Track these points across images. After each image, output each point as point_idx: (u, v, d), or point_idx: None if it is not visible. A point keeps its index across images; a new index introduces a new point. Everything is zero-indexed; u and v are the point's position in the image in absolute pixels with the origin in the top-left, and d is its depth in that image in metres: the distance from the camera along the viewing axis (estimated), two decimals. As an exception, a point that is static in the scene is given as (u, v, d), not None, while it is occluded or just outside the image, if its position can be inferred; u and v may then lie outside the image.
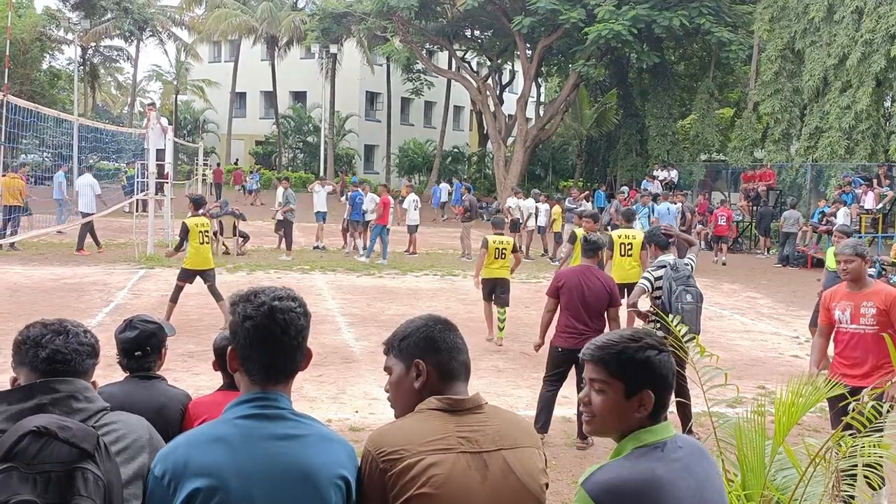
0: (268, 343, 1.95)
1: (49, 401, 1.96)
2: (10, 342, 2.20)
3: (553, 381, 6.63)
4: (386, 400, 2.15)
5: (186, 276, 10.39)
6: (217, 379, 3.43)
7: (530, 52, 34.50)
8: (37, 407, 1.94)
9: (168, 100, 56.50)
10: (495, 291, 10.64)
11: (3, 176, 16.45)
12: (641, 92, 35.36)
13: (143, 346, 3.26)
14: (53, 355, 2.06)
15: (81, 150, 29.30)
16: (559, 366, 6.59)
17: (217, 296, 10.39)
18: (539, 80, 40.03)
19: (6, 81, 9.16)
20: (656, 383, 1.95)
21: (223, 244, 18.32)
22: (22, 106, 9.43)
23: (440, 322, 2.17)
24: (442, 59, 46.19)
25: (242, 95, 53.34)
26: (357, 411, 7.36)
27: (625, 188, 27.66)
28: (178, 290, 10.34)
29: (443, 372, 2.11)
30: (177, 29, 50.47)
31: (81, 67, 44.28)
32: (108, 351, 8.08)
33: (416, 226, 20.01)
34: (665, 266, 6.73)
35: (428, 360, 2.10)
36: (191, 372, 8.17)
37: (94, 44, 48.53)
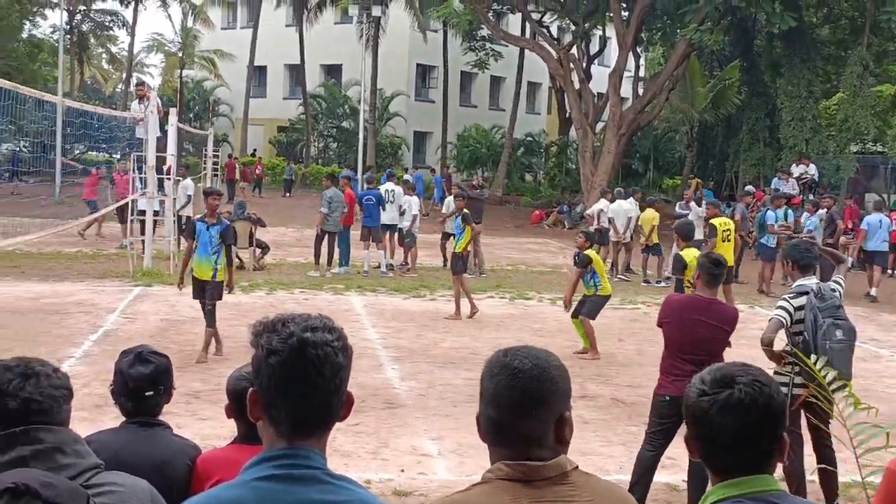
0: (297, 385, 1.97)
1: (31, 453, 2.01)
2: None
3: (657, 438, 6.56)
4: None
5: None
6: (230, 426, 3.48)
7: (627, 13, 34.27)
8: (16, 460, 1.99)
9: (171, 76, 57.90)
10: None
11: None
12: (772, 64, 34.79)
13: (157, 384, 3.35)
14: (27, 405, 2.11)
15: (66, 139, 30.23)
16: (664, 419, 6.51)
17: None
18: (638, 49, 39.73)
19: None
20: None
21: (237, 256, 18.61)
22: (-2, 85, 9.78)
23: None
24: (513, 23, 46.25)
25: (262, 70, 54.28)
26: (403, 470, 7.38)
27: (749, 187, 27.24)
28: None
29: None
30: (184, -12, 51.82)
31: (68, 37, 45.70)
32: (96, 388, 8.26)
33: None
34: (807, 293, 6.57)
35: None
36: (196, 416, 8.31)
37: (84, 7, 50.10)
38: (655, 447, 6.55)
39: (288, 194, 41.71)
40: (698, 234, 18.36)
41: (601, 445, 8.27)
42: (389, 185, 19.96)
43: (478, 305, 14.87)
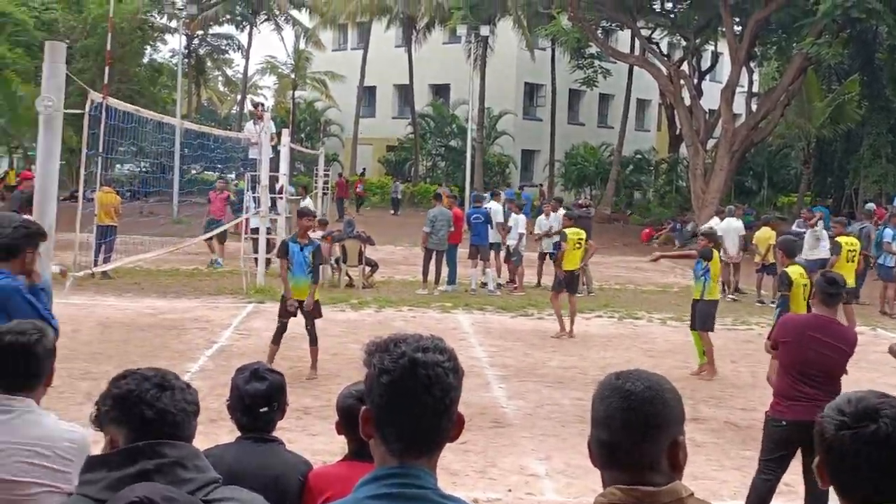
0: (407, 405, 1.99)
1: (154, 467, 2.08)
2: (100, 389, 2.33)
3: (772, 465, 6.34)
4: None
5: None
6: (340, 442, 3.53)
7: (740, 27, 33.61)
8: (140, 474, 2.07)
9: (284, 97, 59.35)
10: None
11: (98, 191, 17.70)
12: (894, 77, 33.65)
13: (272, 400, 3.45)
14: (162, 416, 2.19)
15: (184, 160, 31.28)
16: (780, 444, 6.29)
17: None
18: (751, 64, 38.95)
19: (105, 81, 9.90)
20: None
21: (346, 274, 18.91)
22: (122, 109, 10.19)
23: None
24: (622, 39, 45.88)
25: (372, 90, 55.15)
26: (510, 490, 7.34)
27: (870, 205, 26.32)
28: None
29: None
30: (296, 11, 53.10)
31: (186, 60, 47.37)
32: (210, 402, 8.50)
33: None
34: None
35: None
36: (306, 432, 8.45)
37: (202, 32, 51.88)
38: (771, 475, 6.34)
39: (395, 212, 42.23)
40: (824, 254, 17.85)
41: (714, 470, 8.07)
42: (493, 204, 20.00)
43: (585, 325, 14.76)
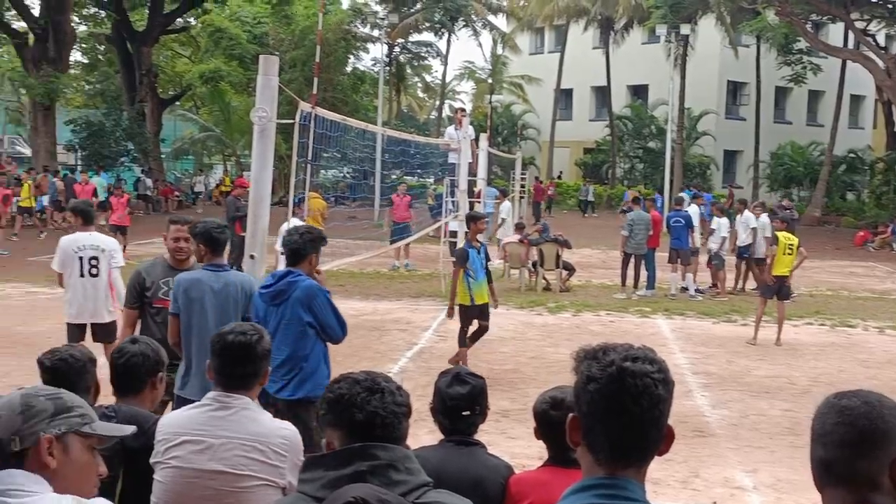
0: (614, 414, 1.96)
1: (367, 468, 2.16)
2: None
3: None
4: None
5: None
6: (538, 446, 3.52)
7: (967, 15, 31.36)
8: (355, 475, 2.15)
9: (481, 101, 60.12)
10: None
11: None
12: None
13: (475, 404, 3.50)
14: (371, 418, 2.27)
15: (384, 165, 32.23)
16: None
17: None
18: (980, 53, 36.26)
19: (314, 91, 10.32)
20: None
21: (543, 277, 18.91)
22: (329, 118, 10.61)
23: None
24: (834, 33, 43.76)
25: (569, 93, 55.00)
26: (715, 502, 7.12)
27: None
28: None
29: None
30: (493, 17, 53.75)
31: (387, 68, 48.79)
32: (412, 403, 8.66)
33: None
34: None
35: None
36: (505, 435, 8.50)
37: (402, 40, 53.32)
38: None
39: (584, 214, 42.10)
40: None
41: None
42: (692, 208, 19.52)
43: (794, 333, 14.18)
